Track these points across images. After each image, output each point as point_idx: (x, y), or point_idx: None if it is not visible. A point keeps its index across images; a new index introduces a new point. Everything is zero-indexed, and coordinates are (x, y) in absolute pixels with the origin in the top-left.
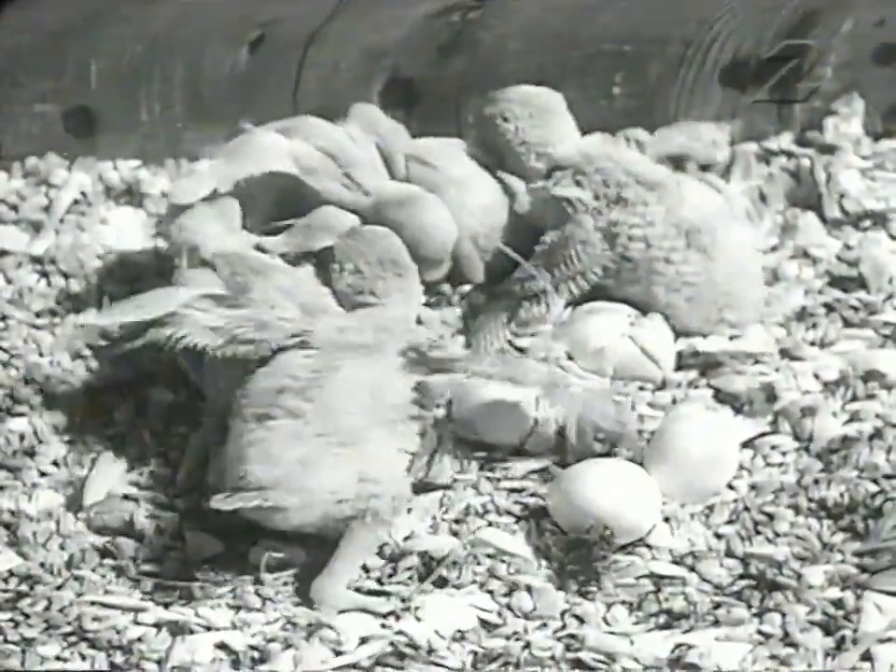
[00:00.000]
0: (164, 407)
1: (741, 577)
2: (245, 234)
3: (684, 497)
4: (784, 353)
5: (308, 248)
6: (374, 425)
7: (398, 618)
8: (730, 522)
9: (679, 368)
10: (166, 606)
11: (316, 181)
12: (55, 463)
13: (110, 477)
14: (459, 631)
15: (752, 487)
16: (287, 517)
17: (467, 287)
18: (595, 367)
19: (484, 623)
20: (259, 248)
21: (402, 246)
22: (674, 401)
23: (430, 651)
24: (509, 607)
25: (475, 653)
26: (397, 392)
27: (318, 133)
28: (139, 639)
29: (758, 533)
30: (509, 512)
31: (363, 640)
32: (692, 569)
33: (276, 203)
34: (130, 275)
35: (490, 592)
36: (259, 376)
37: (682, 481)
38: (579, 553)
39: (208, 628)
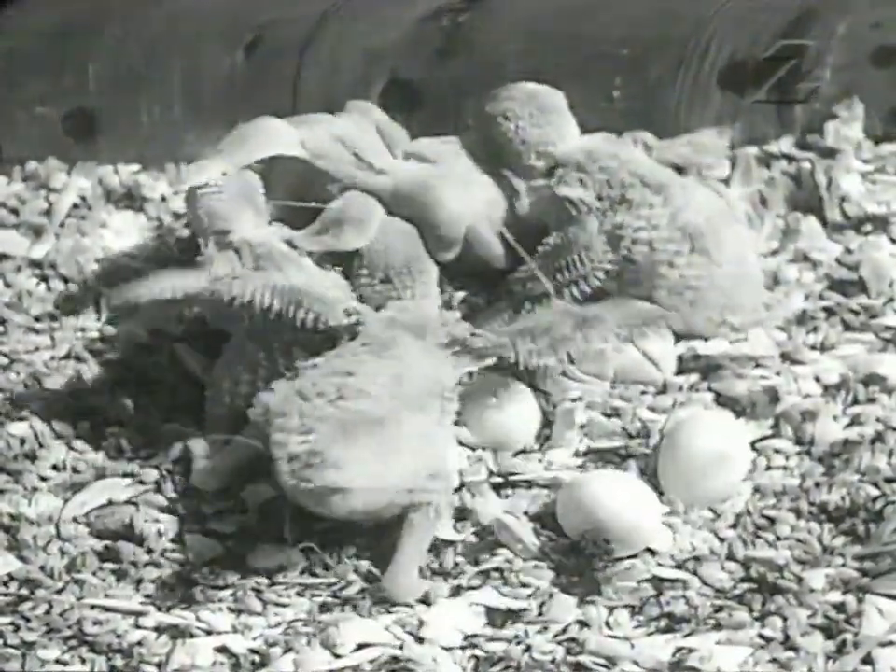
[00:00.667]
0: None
1: (743, 580)
2: (278, 226)
3: (694, 501)
4: (785, 356)
5: (340, 249)
6: (436, 418)
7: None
8: (732, 525)
9: (679, 371)
10: (167, 609)
11: (329, 164)
12: (55, 467)
13: (97, 498)
14: (462, 634)
15: (755, 491)
16: (352, 501)
17: (462, 293)
18: (597, 370)
19: (489, 623)
20: (288, 243)
21: (424, 251)
22: (673, 405)
23: (432, 656)
24: (510, 610)
25: (476, 657)
26: (449, 386)
27: (322, 121)
28: (139, 643)
29: (758, 537)
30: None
31: (362, 645)
32: (693, 573)
33: (290, 195)
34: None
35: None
36: (326, 357)
37: (693, 485)
38: (578, 559)
39: (209, 632)
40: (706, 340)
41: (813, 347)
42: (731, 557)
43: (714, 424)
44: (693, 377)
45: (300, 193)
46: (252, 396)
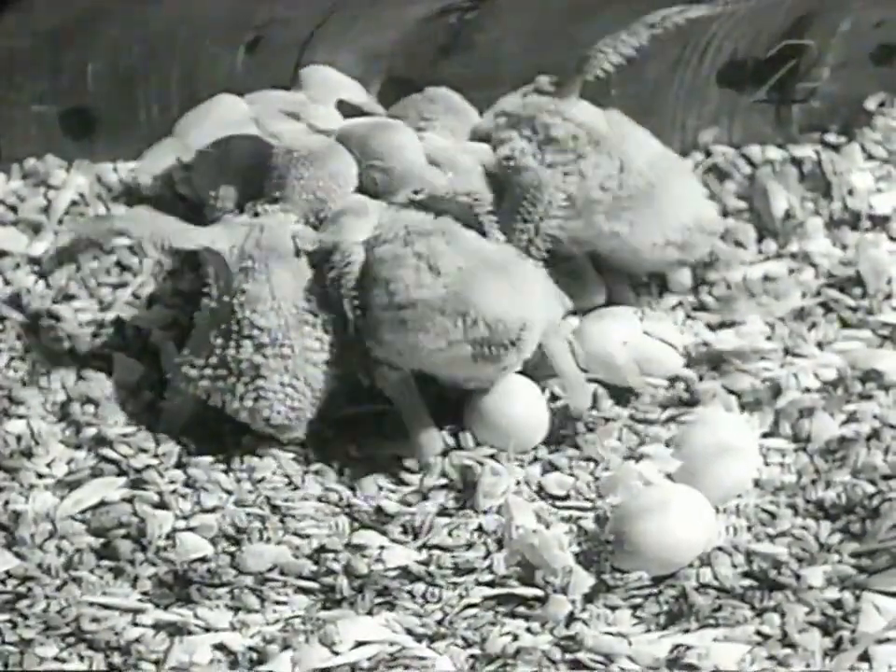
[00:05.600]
0: None
1: (745, 575)
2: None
3: (713, 500)
4: (785, 351)
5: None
6: None
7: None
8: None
9: (686, 364)
10: (165, 607)
11: (281, 139)
12: (49, 465)
13: (93, 496)
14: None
15: (755, 485)
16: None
17: None
18: (617, 371)
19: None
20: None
21: None
22: (691, 401)
23: (428, 654)
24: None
25: (473, 656)
26: None
27: (274, 97)
28: (137, 640)
29: (759, 533)
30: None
31: (361, 643)
32: (693, 569)
33: (245, 173)
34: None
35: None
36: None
37: (707, 483)
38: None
39: (207, 629)
40: (657, 273)
41: (811, 343)
42: (732, 554)
43: (722, 420)
44: (702, 371)
45: (255, 171)
46: (200, 379)
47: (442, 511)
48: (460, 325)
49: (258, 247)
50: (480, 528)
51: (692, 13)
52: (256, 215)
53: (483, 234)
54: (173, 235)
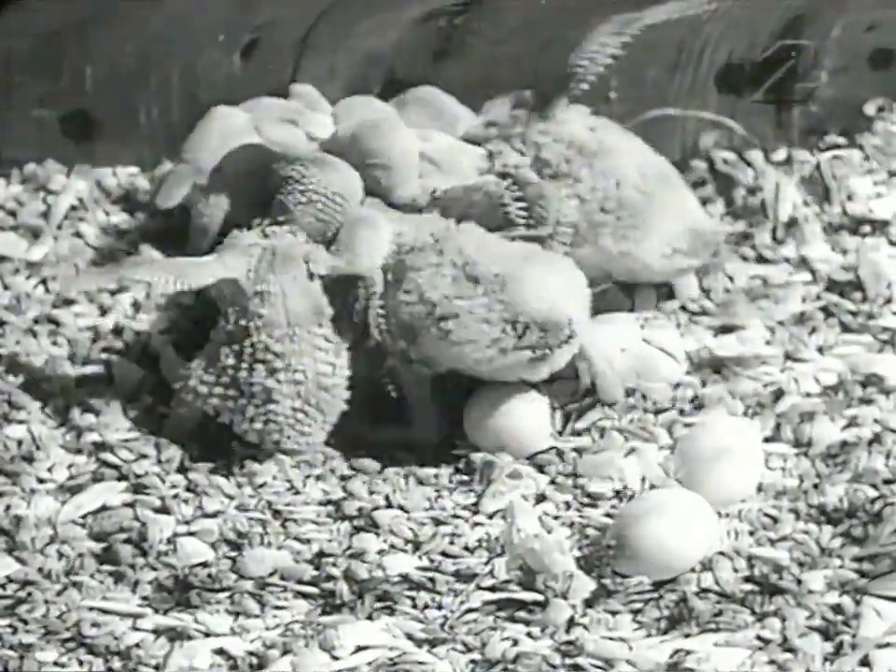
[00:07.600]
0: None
1: (746, 580)
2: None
3: (716, 505)
4: (786, 356)
5: (352, 272)
6: None
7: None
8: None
9: (687, 372)
10: (165, 612)
11: (283, 145)
12: (50, 469)
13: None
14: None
15: (758, 490)
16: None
17: None
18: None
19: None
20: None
21: None
22: (695, 405)
23: (428, 659)
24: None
25: (473, 661)
26: None
27: (273, 105)
28: (137, 645)
29: (758, 539)
30: None
31: (361, 648)
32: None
33: (245, 179)
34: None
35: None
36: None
37: (709, 487)
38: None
39: (207, 634)
40: (671, 283)
41: (812, 348)
42: (734, 558)
43: (725, 425)
44: (706, 375)
45: (254, 177)
46: (209, 397)
47: (445, 519)
48: (511, 333)
49: (272, 271)
50: (484, 534)
51: (649, 19)
52: (265, 236)
53: (511, 223)
54: (187, 275)
